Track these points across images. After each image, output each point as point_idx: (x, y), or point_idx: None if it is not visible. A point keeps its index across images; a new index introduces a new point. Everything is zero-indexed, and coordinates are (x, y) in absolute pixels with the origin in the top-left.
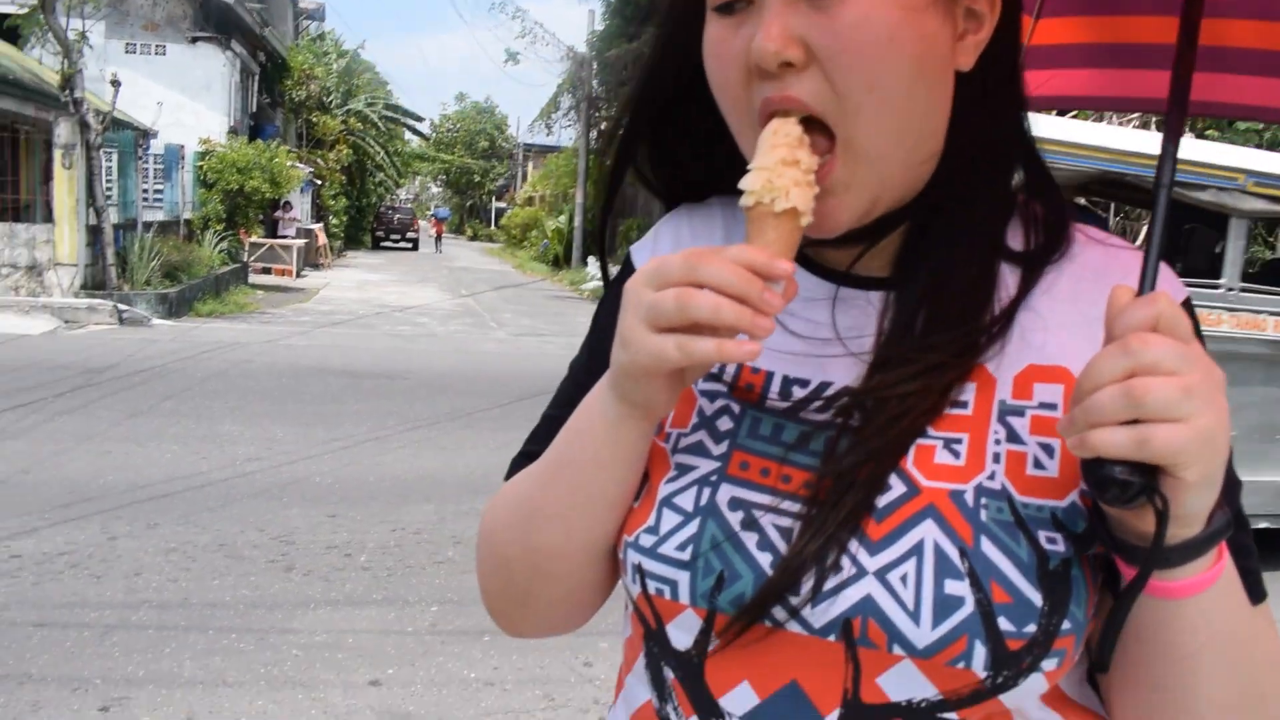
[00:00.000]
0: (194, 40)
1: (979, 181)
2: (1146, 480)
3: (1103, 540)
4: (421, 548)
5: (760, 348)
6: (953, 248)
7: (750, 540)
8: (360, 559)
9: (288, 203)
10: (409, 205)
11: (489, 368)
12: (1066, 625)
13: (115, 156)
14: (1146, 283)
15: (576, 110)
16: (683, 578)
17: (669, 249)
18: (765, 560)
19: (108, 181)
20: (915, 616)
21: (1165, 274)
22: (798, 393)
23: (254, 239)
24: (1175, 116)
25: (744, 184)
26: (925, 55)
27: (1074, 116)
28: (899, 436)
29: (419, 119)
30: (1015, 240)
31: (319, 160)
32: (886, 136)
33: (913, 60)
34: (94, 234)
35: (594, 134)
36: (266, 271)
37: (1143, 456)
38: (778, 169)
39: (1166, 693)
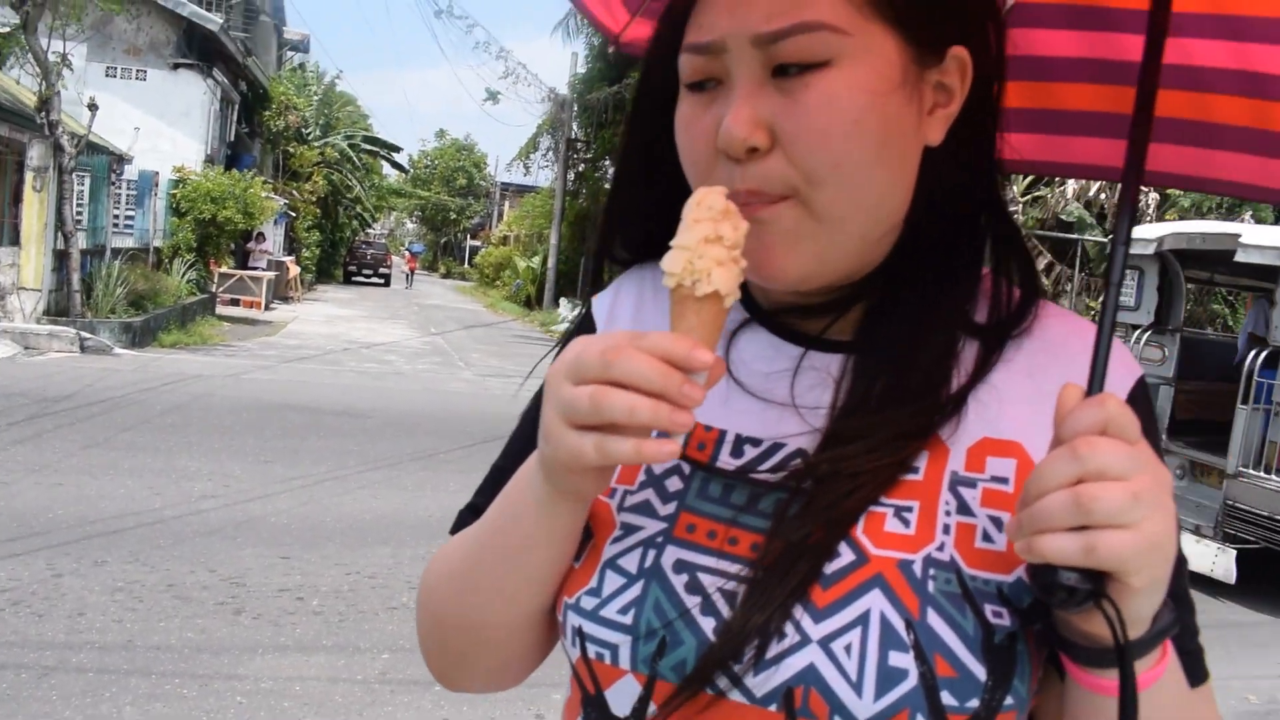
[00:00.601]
0: (176, 67)
1: (946, 252)
2: (1094, 586)
3: (1048, 638)
4: (376, 593)
5: (679, 447)
6: (914, 318)
7: (694, 604)
8: (312, 603)
9: (260, 234)
10: (383, 240)
11: (455, 408)
12: (1009, 700)
13: (88, 181)
14: (1096, 381)
15: (555, 151)
16: (624, 642)
17: (629, 305)
18: (709, 625)
19: (79, 206)
20: (858, 688)
21: (1117, 352)
22: (750, 451)
23: (223, 269)
24: (1125, 211)
25: (664, 264)
26: (889, 136)
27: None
28: (851, 509)
29: (396, 149)
30: (979, 312)
31: (294, 192)
32: (845, 209)
33: (876, 142)
34: (60, 259)
35: (572, 175)
36: (235, 303)
37: (1090, 564)
38: (699, 248)
39: None
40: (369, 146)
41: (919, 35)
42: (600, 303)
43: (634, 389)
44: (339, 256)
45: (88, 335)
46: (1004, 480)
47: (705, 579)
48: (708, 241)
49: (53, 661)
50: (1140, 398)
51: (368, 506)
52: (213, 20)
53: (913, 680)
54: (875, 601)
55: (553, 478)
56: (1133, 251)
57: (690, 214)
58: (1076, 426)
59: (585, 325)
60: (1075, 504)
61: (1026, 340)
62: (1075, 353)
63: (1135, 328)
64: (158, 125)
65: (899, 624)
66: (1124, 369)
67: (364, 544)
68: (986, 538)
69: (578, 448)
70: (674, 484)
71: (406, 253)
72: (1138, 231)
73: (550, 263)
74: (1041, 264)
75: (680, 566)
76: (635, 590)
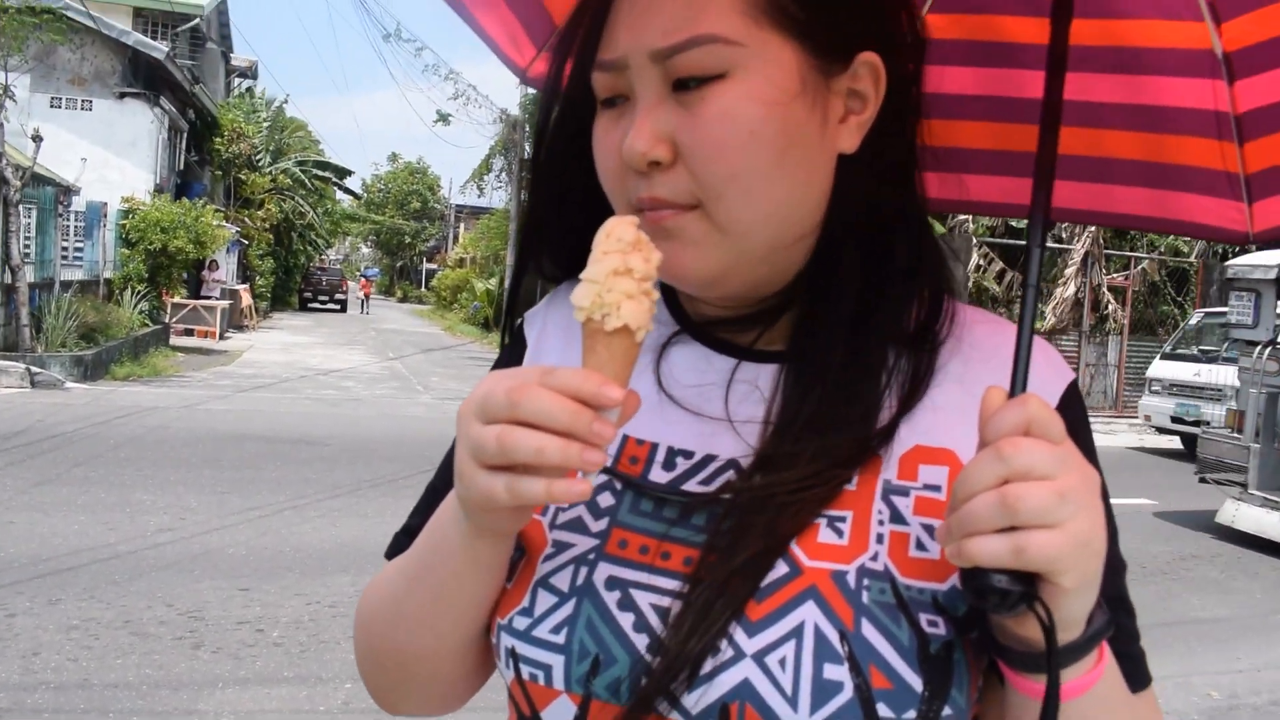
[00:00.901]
0: (122, 96)
1: (871, 261)
2: (1026, 588)
3: (984, 645)
4: (337, 622)
5: (591, 486)
6: (845, 329)
7: (626, 622)
8: (272, 635)
9: (214, 262)
10: (338, 266)
11: (413, 432)
12: (947, 711)
13: (35, 213)
14: (1018, 383)
15: (509, 172)
16: (557, 662)
17: (560, 324)
18: (641, 643)
19: (26, 239)
20: (793, 702)
21: (1047, 357)
22: (682, 464)
23: (176, 300)
24: (1038, 216)
25: (573, 297)
26: (790, 145)
27: None
28: (787, 534)
29: (348, 173)
30: (907, 320)
31: (246, 219)
32: (748, 219)
33: (775, 152)
34: (8, 293)
35: (526, 196)
36: (189, 333)
37: (1020, 565)
38: (608, 281)
39: None
40: (321, 172)
41: (818, 43)
42: (533, 320)
43: (542, 428)
44: (294, 283)
45: (38, 370)
46: (937, 488)
47: (638, 595)
48: (616, 274)
49: (6, 703)
50: (1073, 402)
51: (327, 535)
52: (158, 48)
53: (848, 692)
54: (809, 613)
55: (470, 516)
56: (1251, 276)
57: (599, 246)
58: (1000, 428)
59: (516, 347)
60: (1002, 505)
61: (955, 346)
62: (1006, 358)
63: (1253, 344)
64: (105, 155)
65: (833, 636)
66: (1054, 374)
67: (324, 573)
68: (920, 546)
69: (489, 489)
70: (606, 500)
71: (361, 277)
72: (1258, 258)
73: (508, 284)
74: (994, 271)
75: (612, 583)
76: (567, 609)
